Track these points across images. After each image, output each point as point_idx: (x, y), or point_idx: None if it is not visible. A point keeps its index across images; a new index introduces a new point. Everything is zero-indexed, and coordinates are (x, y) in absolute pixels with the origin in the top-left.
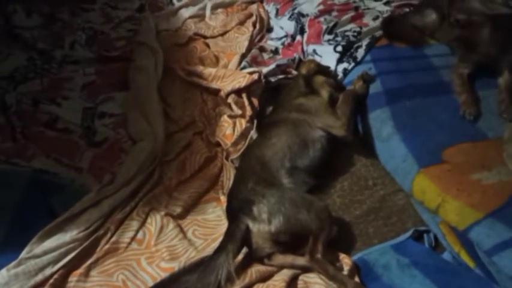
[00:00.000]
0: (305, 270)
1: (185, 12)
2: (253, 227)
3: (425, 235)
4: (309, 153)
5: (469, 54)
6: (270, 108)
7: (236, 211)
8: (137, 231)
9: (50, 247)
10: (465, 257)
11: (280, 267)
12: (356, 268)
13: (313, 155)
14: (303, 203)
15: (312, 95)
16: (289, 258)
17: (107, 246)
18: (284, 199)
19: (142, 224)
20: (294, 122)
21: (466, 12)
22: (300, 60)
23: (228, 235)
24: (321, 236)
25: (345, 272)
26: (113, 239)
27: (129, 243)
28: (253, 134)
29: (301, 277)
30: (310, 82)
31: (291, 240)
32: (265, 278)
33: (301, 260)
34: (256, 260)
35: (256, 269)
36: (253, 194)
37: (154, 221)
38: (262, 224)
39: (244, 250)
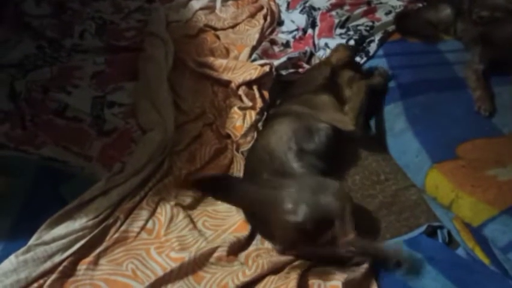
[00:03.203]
0: (323, 261)
1: (196, 4)
2: (281, 217)
3: (438, 231)
4: (314, 139)
5: (487, 51)
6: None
7: (256, 204)
8: (147, 221)
9: (59, 234)
10: (479, 254)
11: (295, 259)
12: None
13: (319, 140)
14: (320, 187)
15: (322, 91)
16: (317, 248)
17: (116, 235)
18: (303, 187)
19: (152, 213)
20: (298, 114)
21: (489, 8)
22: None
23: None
24: (346, 216)
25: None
26: (122, 228)
27: (139, 233)
28: (260, 125)
29: (314, 269)
30: (335, 74)
31: (316, 228)
32: (277, 269)
33: (331, 249)
34: (279, 252)
35: (268, 261)
36: (271, 184)
37: (164, 211)
38: (287, 215)
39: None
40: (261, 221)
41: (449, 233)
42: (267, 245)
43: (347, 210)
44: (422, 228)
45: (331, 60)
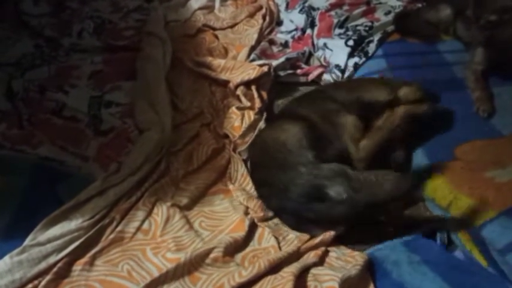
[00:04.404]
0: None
1: (194, 3)
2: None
3: (438, 233)
4: (325, 148)
5: (489, 52)
6: (280, 102)
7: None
8: (143, 222)
9: (54, 235)
10: (477, 256)
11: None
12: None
13: (330, 151)
14: (345, 173)
15: (351, 111)
16: None
17: (112, 236)
18: (338, 175)
19: (148, 214)
20: (314, 123)
21: (499, 12)
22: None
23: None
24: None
25: (358, 267)
26: (118, 228)
27: (135, 233)
28: (261, 125)
29: (311, 270)
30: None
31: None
32: (274, 269)
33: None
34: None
35: (265, 259)
36: (315, 178)
37: (161, 212)
38: (342, 205)
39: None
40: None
41: (448, 235)
42: (264, 244)
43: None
44: (420, 231)
45: (398, 92)
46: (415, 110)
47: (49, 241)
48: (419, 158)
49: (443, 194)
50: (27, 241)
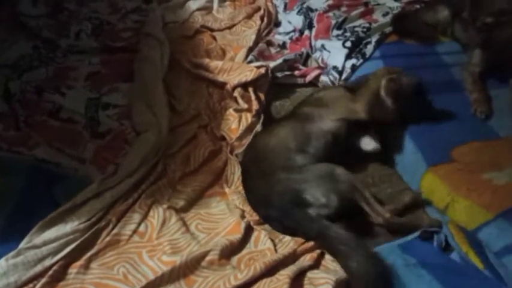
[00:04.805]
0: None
1: (193, 5)
2: (312, 213)
3: (435, 235)
4: (312, 145)
5: (487, 54)
6: (277, 103)
7: (285, 207)
8: (139, 224)
9: (50, 238)
10: (473, 258)
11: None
12: None
13: (317, 146)
14: (332, 175)
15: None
16: None
17: (108, 238)
18: (322, 178)
19: (145, 216)
20: (305, 116)
21: (495, 15)
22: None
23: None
24: (369, 198)
25: None
26: (115, 231)
27: (131, 236)
28: (258, 128)
29: (306, 272)
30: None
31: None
32: (270, 271)
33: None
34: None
35: (261, 262)
36: (294, 183)
37: (157, 214)
38: (322, 209)
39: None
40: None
41: (446, 238)
42: (261, 247)
43: (364, 190)
44: (417, 233)
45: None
46: (399, 78)
47: (45, 244)
48: (417, 159)
49: (440, 196)
50: (23, 244)
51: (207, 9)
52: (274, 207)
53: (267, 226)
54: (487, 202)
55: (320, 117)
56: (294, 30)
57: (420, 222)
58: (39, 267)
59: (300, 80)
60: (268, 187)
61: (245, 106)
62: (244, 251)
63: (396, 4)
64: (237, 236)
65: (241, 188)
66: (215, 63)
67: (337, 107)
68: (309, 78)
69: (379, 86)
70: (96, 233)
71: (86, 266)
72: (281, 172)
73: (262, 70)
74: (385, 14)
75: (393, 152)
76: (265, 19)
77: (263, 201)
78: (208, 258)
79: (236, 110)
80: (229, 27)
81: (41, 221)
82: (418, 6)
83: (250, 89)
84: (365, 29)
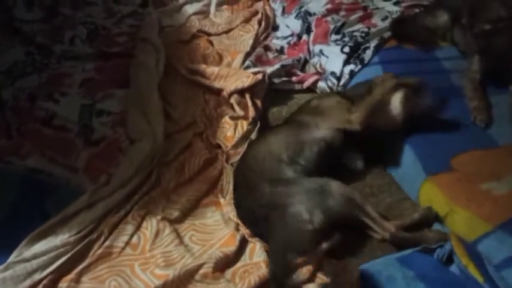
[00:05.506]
0: None
1: (189, 9)
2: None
3: (438, 248)
4: (304, 154)
5: (486, 60)
6: (274, 110)
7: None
8: (132, 236)
9: (40, 251)
10: (473, 271)
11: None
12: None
13: (309, 155)
14: (322, 189)
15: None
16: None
17: (99, 251)
18: (309, 192)
19: (138, 228)
20: (300, 124)
21: (492, 21)
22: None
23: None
24: (370, 212)
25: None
26: (106, 243)
27: (123, 248)
28: (253, 136)
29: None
30: None
31: (330, 229)
32: (265, 285)
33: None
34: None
35: (256, 275)
36: (278, 197)
37: (150, 225)
38: (305, 225)
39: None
40: (272, 236)
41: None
42: (256, 259)
43: (365, 204)
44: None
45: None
46: (405, 80)
47: (34, 257)
48: (416, 168)
49: (439, 206)
50: (12, 257)
51: (204, 13)
52: (259, 224)
53: None
54: (486, 213)
55: (315, 125)
56: (291, 35)
57: (427, 239)
58: (28, 282)
59: (297, 86)
60: (254, 200)
61: (241, 113)
62: (239, 264)
63: (395, 8)
64: (232, 248)
65: None
66: (211, 69)
67: (332, 115)
68: (306, 84)
69: (387, 96)
70: (87, 245)
71: (77, 280)
72: (266, 185)
73: (259, 76)
74: (384, 19)
75: (391, 160)
76: (263, 23)
77: (248, 215)
78: (202, 271)
79: (232, 118)
80: (227, 32)
81: (31, 234)
82: (417, 10)
83: (247, 96)
84: (364, 34)
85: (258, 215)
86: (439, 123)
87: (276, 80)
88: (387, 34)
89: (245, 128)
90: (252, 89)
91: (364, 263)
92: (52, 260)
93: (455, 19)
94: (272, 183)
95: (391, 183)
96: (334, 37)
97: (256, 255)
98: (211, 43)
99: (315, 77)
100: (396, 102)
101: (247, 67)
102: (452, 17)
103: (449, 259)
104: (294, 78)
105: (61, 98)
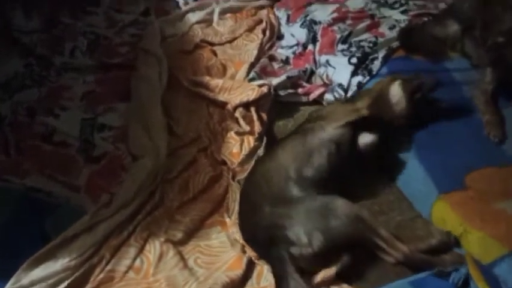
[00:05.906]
0: None
1: (192, 17)
2: (295, 253)
3: (453, 272)
4: (313, 162)
5: (498, 72)
6: (281, 123)
7: (268, 243)
8: (134, 259)
9: (38, 277)
10: None
11: None
12: None
13: (319, 161)
14: (326, 209)
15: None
16: None
17: (101, 276)
18: (310, 213)
19: (140, 251)
20: (305, 131)
21: (506, 34)
22: None
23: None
24: (381, 232)
25: None
26: (108, 267)
27: (126, 272)
28: (260, 152)
29: None
30: None
31: (335, 252)
32: None
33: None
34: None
35: None
36: (278, 218)
37: (153, 248)
38: (305, 248)
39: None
40: (274, 258)
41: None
42: (263, 283)
43: (377, 225)
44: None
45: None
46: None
47: (32, 284)
48: (427, 184)
49: (452, 226)
50: (9, 284)
51: (207, 21)
52: (261, 245)
53: None
54: (501, 235)
55: (321, 128)
56: (297, 44)
57: (443, 261)
58: None
59: (303, 98)
60: (255, 221)
61: (247, 129)
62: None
63: (403, 17)
64: (238, 271)
65: None
66: (215, 82)
67: (337, 114)
68: (312, 96)
69: (385, 87)
70: (88, 270)
71: None
72: (267, 205)
73: (265, 89)
74: (391, 27)
75: (402, 177)
76: (268, 32)
77: (251, 237)
78: None
79: (238, 133)
80: (230, 41)
81: (29, 259)
82: (425, 19)
83: (252, 109)
84: (371, 44)
85: (260, 237)
86: (451, 137)
87: (282, 92)
88: (395, 44)
89: (252, 143)
90: (257, 102)
91: (377, 287)
92: (52, 287)
93: (465, 29)
94: (274, 203)
95: (401, 200)
96: (340, 47)
97: (264, 279)
98: (214, 53)
99: (322, 89)
100: (395, 89)
101: (252, 79)
102: (462, 26)
103: (465, 283)
104: (300, 90)
105: (61, 112)
